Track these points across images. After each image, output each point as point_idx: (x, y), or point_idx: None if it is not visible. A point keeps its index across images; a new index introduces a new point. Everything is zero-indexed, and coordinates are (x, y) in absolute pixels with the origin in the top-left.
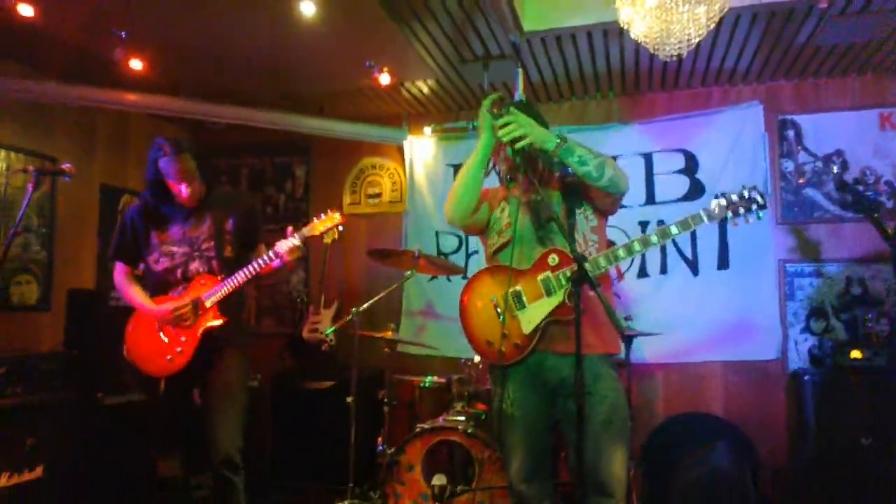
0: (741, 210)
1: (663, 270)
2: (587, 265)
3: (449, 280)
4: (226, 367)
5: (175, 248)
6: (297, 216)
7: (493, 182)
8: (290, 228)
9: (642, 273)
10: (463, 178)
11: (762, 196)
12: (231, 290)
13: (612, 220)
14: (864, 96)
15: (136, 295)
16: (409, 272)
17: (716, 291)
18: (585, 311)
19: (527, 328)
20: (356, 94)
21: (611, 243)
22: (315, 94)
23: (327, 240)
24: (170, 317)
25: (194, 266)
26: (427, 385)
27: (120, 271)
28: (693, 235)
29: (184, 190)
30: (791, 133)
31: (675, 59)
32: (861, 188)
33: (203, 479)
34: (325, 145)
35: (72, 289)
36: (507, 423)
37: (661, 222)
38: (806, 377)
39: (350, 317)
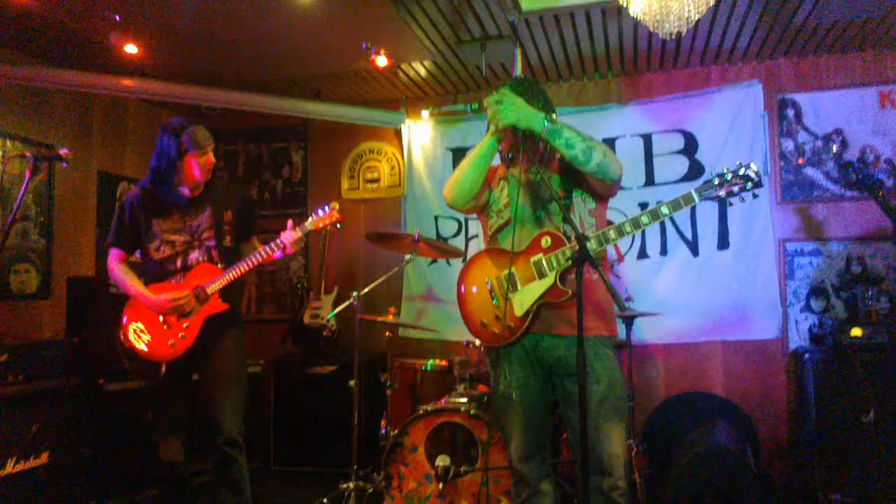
0: (735, 189)
1: (663, 251)
2: (572, 247)
3: (449, 264)
4: (227, 351)
5: (176, 237)
6: (295, 202)
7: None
8: (290, 221)
9: (642, 254)
10: (469, 164)
11: (756, 174)
12: (234, 278)
13: (611, 201)
14: (864, 74)
15: (133, 283)
16: (408, 256)
17: (716, 271)
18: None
19: (519, 310)
20: (353, 77)
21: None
22: (312, 77)
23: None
24: (168, 307)
25: (194, 255)
26: (429, 368)
27: (115, 258)
28: (693, 216)
29: (209, 160)
30: (790, 112)
31: (674, 37)
32: (867, 168)
33: (203, 464)
34: (322, 130)
35: (71, 276)
36: (505, 404)
37: (660, 204)
38: (806, 356)
39: (350, 301)
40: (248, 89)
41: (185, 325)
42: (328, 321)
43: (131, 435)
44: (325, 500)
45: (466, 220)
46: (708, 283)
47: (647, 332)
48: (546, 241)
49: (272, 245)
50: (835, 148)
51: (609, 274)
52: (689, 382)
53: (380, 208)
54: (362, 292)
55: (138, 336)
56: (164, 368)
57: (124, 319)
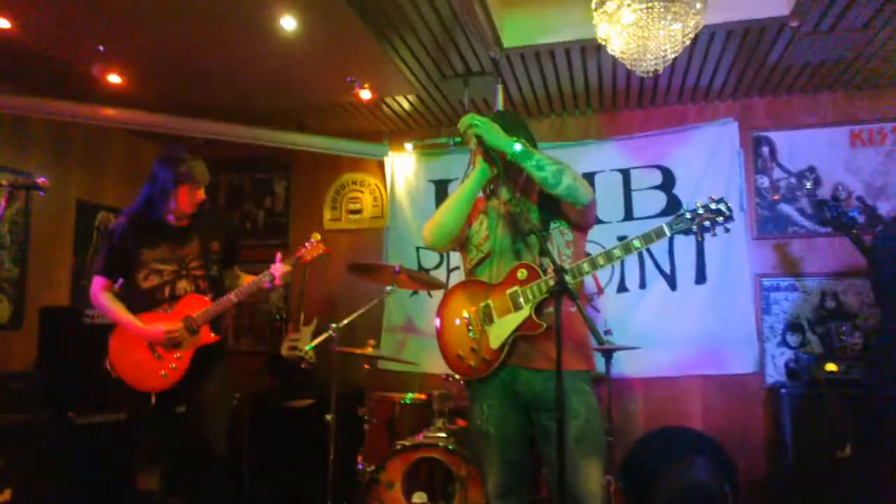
0: (707, 223)
1: (642, 285)
2: (548, 280)
3: (430, 295)
4: (217, 380)
5: (164, 266)
6: (276, 232)
7: None
8: (279, 254)
9: (622, 287)
10: (451, 207)
11: (728, 208)
12: (223, 308)
13: (590, 235)
14: (835, 113)
15: (122, 313)
16: (389, 287)
17: (693, 306)
18: (554, 326)
19: (495, 343)
20: (337, 109)
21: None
22: (295, 109)
23: (307, 256)
24: (163, 338)
25: (182, 285)
26: (407, 401)
27: (101, 286)
28: (671, 250)
29: (200, 194)
30: (765, 149)
31: (651, 75)
32: (841, 206)
33: (178, 500)
34: (305, 161)
35: (44, 307)
36: (482, 439)
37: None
38: (783, 390)
39: (329, 333)
40: (231, 120)
41: (176, 356)
42: (306, 353)
43: (102, 468)
44: None
45: (448, 252)
46: (686, 318)
47: (626, 366)
48: (522, 274)
49: (262, 277)
50: (808, 185)
51: (588, 307)
52: (668, 417)
53: (362, 239)
54: (341, 324)
55: (126, 366)
56: (153, 399)
57: (110, 349)
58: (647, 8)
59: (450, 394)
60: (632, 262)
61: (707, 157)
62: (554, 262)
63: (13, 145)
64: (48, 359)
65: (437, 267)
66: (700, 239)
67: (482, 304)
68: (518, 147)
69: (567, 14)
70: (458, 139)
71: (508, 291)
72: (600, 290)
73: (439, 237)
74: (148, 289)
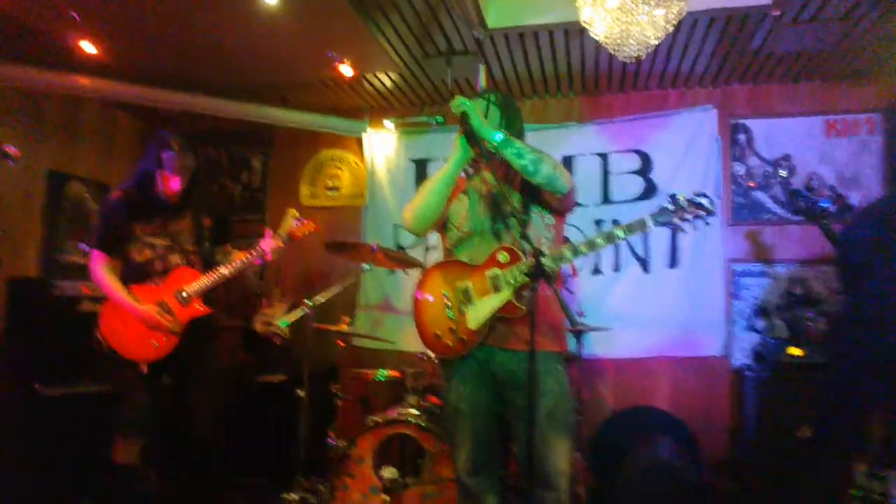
0: (689, 216)
1: (616, 268)
2: (529, 264)
3: (407, 274)
4: (212, 357)
5: (157, 241)
6: (253, 207)
7: None
8: (268, 230)
9: (596, 270)
10: (430, 191)
11: (711, 203)
12: (214, 282)
13: (568, 218)
14: (812, 103)
15: (118, 291)
16: (366, 265)
17: (666, 289)
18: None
19: (473, 324)
20: (318, 85)
21: (566, 242)
22: (277, 83)
23: (282, 232)
24: (154, 321)
25: (174, 259)
26: (381, 379)
27: (100, 262)
28: (645, 234)
29: (176, 185)
30: (743, 137)
31: (633, 60)
32: (814, 196)
33: (156, 474)
34: (283, 136)
35: (12, 278)
36: (456, 417)
37: (615, 222)
38: (748, 373)
39: (304, 310)
40: (210, 93)
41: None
42: (280, 329)
43: (72, 441)
44: None
45: (432, 231)
46: (658, 301)
47: (598, 346)
48: (503, 257)
49: (253, 252)
50: (783, 173)
51: (563, 289)
52: (636, 397)
53: (340, 217)
54: (317, 301)
55: (118, 337)
56: (145, 368)
57: (101, 321)
58: None
59: (424, 372)
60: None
61: (686, 143)
62: (533, 247)
63: None
64: (16, 331)
65: (414, 246)
66: (681, 231)
67: (461, 285)
68: (499, 136)
69: None
70: (439, 118)
71: (488, 273)
72: (575, 273)
73: (421, 220)
74: (141, 262)
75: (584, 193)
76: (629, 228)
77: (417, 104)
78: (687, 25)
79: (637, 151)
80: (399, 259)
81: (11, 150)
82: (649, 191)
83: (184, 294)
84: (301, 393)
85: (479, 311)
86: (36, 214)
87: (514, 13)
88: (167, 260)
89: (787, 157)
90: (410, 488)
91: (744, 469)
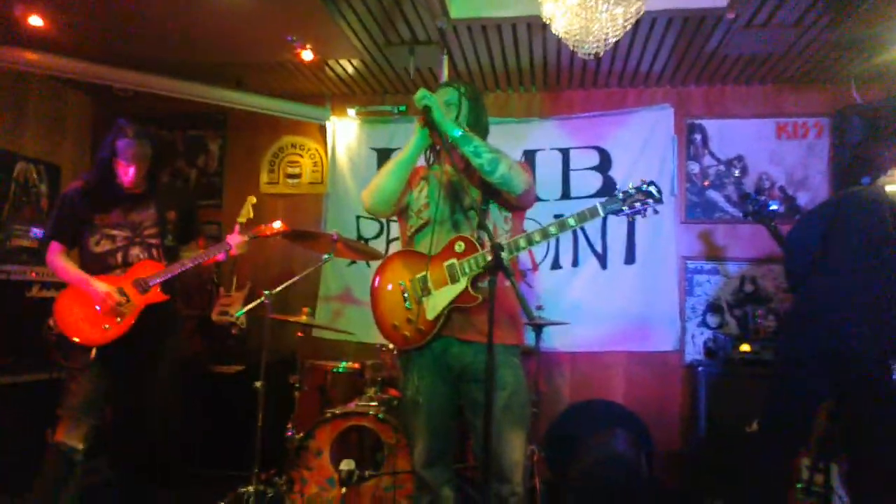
0: (637, 205)
1: (575, 263)
2: (485, 254)
3: (368, 265)
4: (171, 346)
5: (116, 232)
6: (210, 192)
7: None
8: (237, 225)
9: (556, 265)
10: (388, 173)
11: (658, 191)
12: (176, 272)
13: (529, 213)
14: (764, 106)
15: (77, 271)
16: (326, 256)
17: (622, 284)
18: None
19: (430, 314)
20: (278, 68)
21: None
22: (233, 65)
23: (241, 219)
24: (111, 304)
25: (135, 251)
26: (340, 370)
27: (56, 251)
28: (604, 230)
29: (131, 172)
30: (698, 136)
31: (592, 57)
32: (762, 198)
33: (98, 463)
34: (242, 120)
35: None
36: (412, 409)
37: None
38: (700, 368)
39: (262, 299)
40: (164, 73)
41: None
42: (237, 319)
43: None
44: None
45: (388, 222)
46: (614, 296)
47: (556, 340)
48: (460, 246)
49: (217, 246)
50: (736, 173)
51: (522, 283)
52: (592, 390)
53: (299, 205)
54: (275, 291)
55: (69, 321)
56: (93, 353)
57: (56, 306)
58: None
59: (383, 363)
60: (566, 240)
61: (643, 141)
62: (491, 238)
63: None
64: None
65: (376, 237)
66: (631, 220)
67: (419, 275)
68: (459, 132)
69: None
70: (402, 107)
71: (446, 263)
72: (535, 267)
73: (379, 202)
74: (100, 253)
75: (545, 188)
76: (580, 217)
77: (380, 92)
78: (645, 25)
79: (596, 148)
80: (360, 250)
81: None
82: (608, 187)
83: (144, 282)
84: (258, 384)
85: (437, 301)
86: None
87: (478, 5)
88: (127, 252)
89: (739, 158)
90: (368, 481)
91: (694, 462)
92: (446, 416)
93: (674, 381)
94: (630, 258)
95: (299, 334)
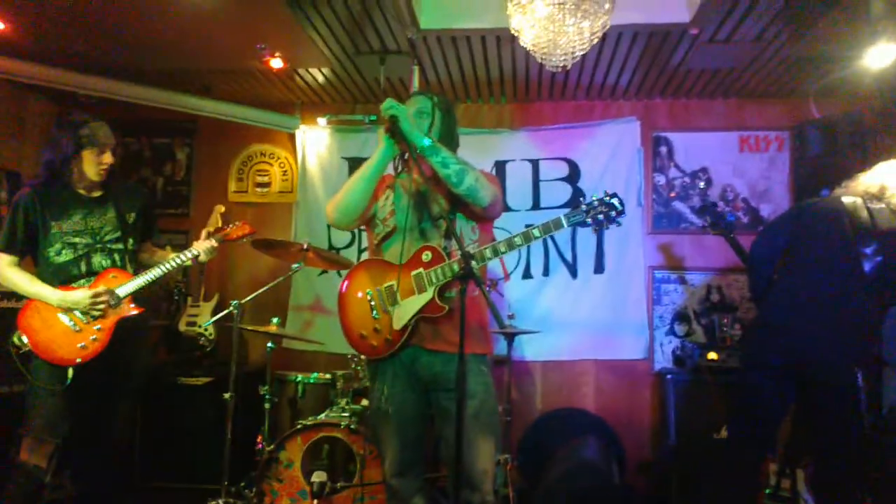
0: (601, 216)
1: (546, 272)
2: (454, 265)
3: (339, 275)
4: (140, 364)
5: (77, 239)
6: (177, 201)
7: None
8: (204, 231)
9: (527, 274)
10: (353, 186)
11: (620, 203)
12: (146, 283)
13: (499, 222)
14: (727, 119)
15: (36, 284)
16: (296, 265)
17: (592, 294)
18: (455, 310)
19: (397, 324)
20: (246, 75)
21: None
22: (201, 71)
23: (210, 228)
24: (87, 303)
25: (97, 259)
26: (311, 381)
27: (6, 262)
28: (574, 240)
29: (110, 158)
30: (664, 149)
31: (560, 70)
32: (720, 209)
33: (62, 478)
34: (210, 128)
35: None
36: (381, 418)
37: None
38: (669, 376)
39: (230, 310)
40: (130, 79)
41: (96, 328)
42: (205, 330)
43: None
44: None
45: (360, 232)
46: (584, 305)
47: (527, 349)
48: (427, 256)
49: (185, 253)
50: (701, 185)
51: (493, 292)
52: (564, 399)
53: (269, 213)
54: (244, 300)
55: (41, 340)
56: (70, 373)
57: (21, 324)
58: (560, 4)
59: (354, 374)
60: (537, 250)
61: (610, 153)
62: (461, 248)
63: None
64: None
65: (348, 246)
66: (595, 231)
67: (386, 284)
68: (427, 142)
69: (485, 1)
70: (373, 117)
71: (413, 273)
72: (507, 276)
73: (344, 215)
74: (61, 264)
75: (515, 199)
76: (545, 228)
77: (350, 101)
78: (612, 39)
79: (565, 159)
80: (330, 259)
81: None
82: (576, 197)
83: (115, 294)
84: (227, 396)
85: (404, 311)
86: None
87: (447, 16)
88: (91, 260)
89: (704, 170)
90: (340, 492)
91: (664, 468)
92: (416, 425)
93: (643, 389)
94: (599, 268)
95: (269, 345)
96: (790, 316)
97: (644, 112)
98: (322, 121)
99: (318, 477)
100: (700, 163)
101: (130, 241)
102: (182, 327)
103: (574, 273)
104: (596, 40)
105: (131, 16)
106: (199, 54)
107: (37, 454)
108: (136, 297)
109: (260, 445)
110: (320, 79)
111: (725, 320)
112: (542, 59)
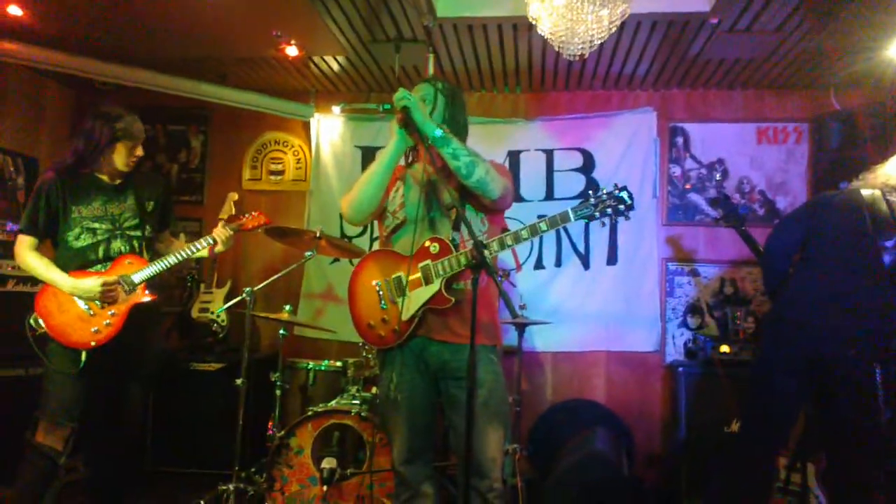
0: (609, 210)
1: (558, 263)
2: (461, 257)
3: (351, 263)
4: (154, 343)
5: (97, 225)
6: (191, 188)
7: None
8: (221, 220)
9: (539, 265)
10: (367, 182)
11: (630, 197)
12: (162, 270)
13: (513, 213)
14: (745, 110)
15: (51, 270)
16: (308, 253)
17: (604, 285)
18: (462, 302)
19: (405, 315)
20: (262, 63)
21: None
22: (217, 59)
23: (223, 216)
24: (98, 291)
25: (116, 244)
26: (322, 368)
27: (26, 245)
28: (587, 231)
29: (135, 155)
30: (680, 140)
31: (577, 58)
32: (734, 202)
33: (75, 461)
34: (225, 115)
35: None
36: (391, 406)
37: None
38: (680, 369)
39: (243, 296)
40: (147, 66)
41: (110, 313)
42: (218, 316)
43: None
44: (201, 503)
45: (372, 221)
46: (596, 296)
47: (538, 340)
48: (434, 248)
49: (202, 241)
50: (717, 176)
51: (505, 282)
52: (574, 390)
53: (283, 201)
54: (257, 288)
55: (56, 324)
56: (83, 358)
57: (38, 307)
58: None
59: (365, 362)
60: (550, 241)
61: (626, 144)
62: (474, 238)
63: None
64: None
65: (360, 235)
66: (603, 225)
67: (394, 275)
68: (439, 133)
69: None
70: (387, 105)
71: (420, 265)
72: (519, 267)
73: (358, 211)
74: (80, 248)
75: (529, 189)
76: (552, 221)
77: (365, 90)
78: (630, 27)
79: (580, 149)
80: (342, 248)
81: None
82: (590, 188)
83: (130, 280)
84: (239, 382)
85: (412, 302)
86: None
87: (464, 3)
88: (110, 246)
89: (721, 161)
90: (350, 479)
91: (675, 461)
92: (425, 413)
93: (654, 382)
94: (612, 259)
95: (281, 332)
96: (807, 310)
97: (661, 102)
98: (336, 109)
99: (328, 463)
100: (717, 154)
101: (148, 228)
102: (195, 314)
103: (587, 264)
104: (614, 29)
105: (149, 4)
106: (216, 42)
107: (52, 436)
108: (149, 283)
109: (271, 431)
110: (335, 67)
111: (739, 313)
112: (559, 47)
